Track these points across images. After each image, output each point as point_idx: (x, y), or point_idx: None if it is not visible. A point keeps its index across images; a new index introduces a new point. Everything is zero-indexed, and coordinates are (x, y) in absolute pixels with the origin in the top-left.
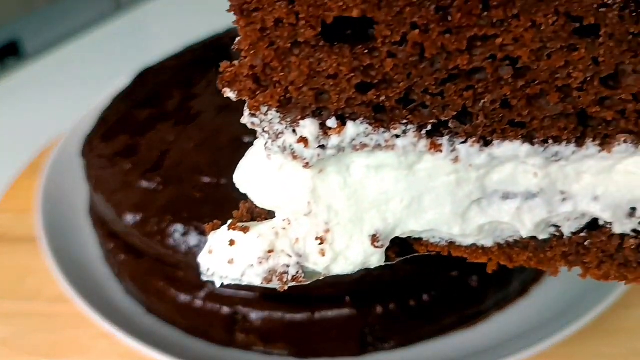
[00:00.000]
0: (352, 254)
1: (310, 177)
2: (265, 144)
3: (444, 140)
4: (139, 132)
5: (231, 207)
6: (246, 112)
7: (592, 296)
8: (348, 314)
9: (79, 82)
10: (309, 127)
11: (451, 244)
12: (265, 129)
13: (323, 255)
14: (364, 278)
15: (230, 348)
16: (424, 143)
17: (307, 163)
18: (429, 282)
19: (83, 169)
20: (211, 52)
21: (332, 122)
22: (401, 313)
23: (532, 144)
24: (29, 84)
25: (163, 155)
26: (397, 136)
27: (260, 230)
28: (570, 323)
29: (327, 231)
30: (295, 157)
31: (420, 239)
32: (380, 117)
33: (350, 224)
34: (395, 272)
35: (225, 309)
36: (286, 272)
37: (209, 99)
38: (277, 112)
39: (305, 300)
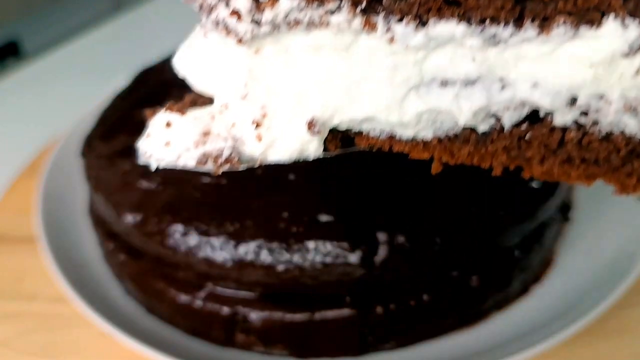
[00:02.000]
0: (289, 140)
1: (247, 57)
2: (203, 23)
3: (379, 19)
4: (139, 132)
5: (231, 207)
6: None
7: (593, 296)
8: (348, 314)
9: (79, 82)
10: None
11: (391, 137)
12: (200, 3)
13: (259, 140)
14: (364, 278)
15: (230, 348)
16: (358, 21)
17: (241, 39)
18: (429, 282)
19: (83, 169)
20: None
21: None
22: (401, 313)
23: (469, 23)
24: (28, 84)
25: None
26: (332, 12)
27: (197, 114)
28: (570, 323)
29: (264, 115)
30: (229, 32)
31: (360, 132)
32: None
33: (287, 108)
34: (395, 272)
35: (225, 310)
36: (220, 155)
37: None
38: None
39: (305, 301)
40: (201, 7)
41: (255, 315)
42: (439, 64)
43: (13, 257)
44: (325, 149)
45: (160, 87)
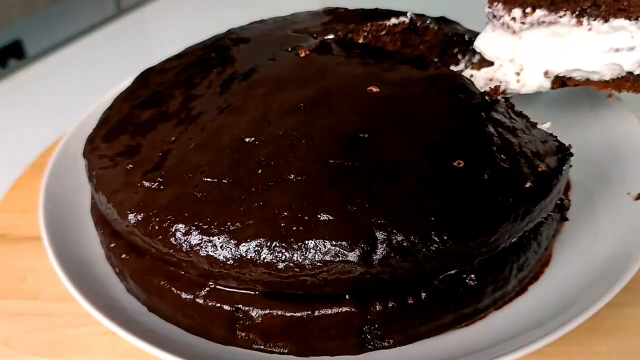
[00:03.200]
0: (533, 81)
1: (514, 41)
2: (493, 23)
3: (584, 19)
4: (141, 132)
5: (232, 206)
6: (486, 7)
7: (590, 294)
8: (347, 311)
9: (81, 83)
10: (516, 12)
11: (587, 80)
12: (494, 14)
13: (518, 82)
14: (363, 276)
15: (231, 346)
16: (574, 21)
17: (514, 31)
18: (426, 280)
19: (85, 168)
20: (212, 52)
21: (528, 10)
22: (399, 310)
23: (630, 20)
24: (31, 85)
25: (164, 155)
26: (561, 17)
27: (486, 69)
28: (567, 321)
29: (521, 69)
30: (508, 28)
31: (570, 78)
32: (553, 7)
33: (533, 65)
34: (394, 270)
35: (226, 307)
36: (498, 88)
37: (210, 100)
38: (503, 4)
39: (306, 298)
40: (494, 16)
41: (256, 313)
42: (615, 40)
43: (16, 257)
44: (551, 87)
45: (161, 87)
